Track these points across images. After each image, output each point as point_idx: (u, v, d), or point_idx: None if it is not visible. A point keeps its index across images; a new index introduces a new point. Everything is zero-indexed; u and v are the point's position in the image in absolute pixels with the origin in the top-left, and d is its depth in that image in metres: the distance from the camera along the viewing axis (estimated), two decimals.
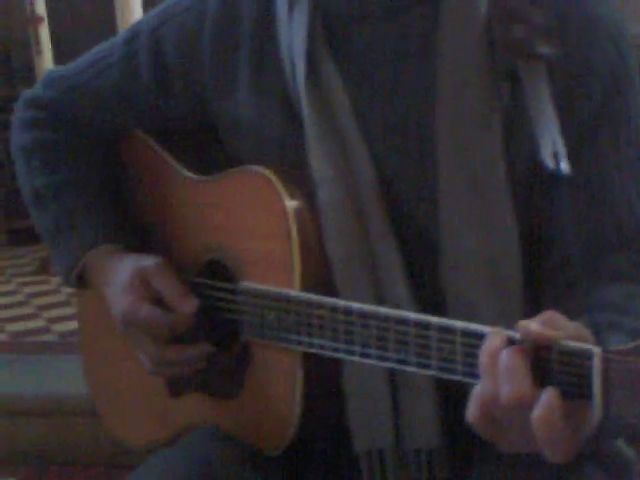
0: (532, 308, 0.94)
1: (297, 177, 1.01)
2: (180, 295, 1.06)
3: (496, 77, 0.95)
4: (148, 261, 1.09)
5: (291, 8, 1.03)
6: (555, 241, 0.97)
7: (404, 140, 0.99)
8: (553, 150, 0.90)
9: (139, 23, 1.19)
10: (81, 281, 1.17)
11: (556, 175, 0.90)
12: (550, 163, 0.89)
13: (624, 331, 0.84)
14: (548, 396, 0.74)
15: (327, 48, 1.01)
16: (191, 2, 1.13)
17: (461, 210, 0.95)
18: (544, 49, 0.93)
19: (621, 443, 1.01)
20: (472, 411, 0.77)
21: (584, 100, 0.95)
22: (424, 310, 0.91)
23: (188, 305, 1.06)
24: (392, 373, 0.97)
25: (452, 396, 0.88)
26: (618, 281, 0.94)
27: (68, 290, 3.71)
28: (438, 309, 0.93)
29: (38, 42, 3.80)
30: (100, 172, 1.20)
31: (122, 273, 1.09)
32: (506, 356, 0.75)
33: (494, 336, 0.78)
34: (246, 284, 1.04)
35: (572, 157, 0.92)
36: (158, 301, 1.07)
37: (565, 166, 0.89)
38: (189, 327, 1.07)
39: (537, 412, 0.73)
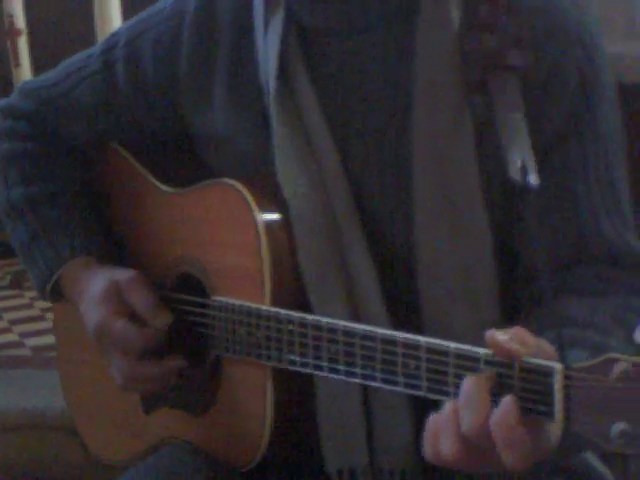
0: (506, 319, 0.94)
1: (271, 191, 1.00)
2: (154, 309, 1.05)
3: (469, 90, 0.95)
4: (122, 274, 1.08)
5: (267, 21, 1.03)
6: (523, 253, 0.98)
7: (380, 155, 0.98)
8: (522, 164, 0.90)
9: (116, 33, 1.18)
10: (55, 293, 1.15)
11: (524, 189, 0.90)
12: (517, 177, 0.89)
13: (587, 346, 0.84)
14: (505, 402, 0.74)
15: (302, 62, 1.01)
16: (169, 13, 1.12)
17: (436, 222, 0.95)
18: (515, 60, 0.93)
19: (595, 460, 1.01)
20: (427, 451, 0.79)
21: (554, 108, 0.96)
22: (400, 324, 0.90)
23: (162, 319, 1.05)
24: (366, 392, 0.96)
25: (426, 414, 0.88)
26: (584, 295, 0.94)
27: (41, 304, 3.68)
28: (414, 322, 0.93)
29: (17, 55, 3.78)
30: (76, 184, 1.19)
31: (96, 286, 1.08)
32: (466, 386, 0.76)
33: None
34: (218, 298, 1.03)
35: (541, 168, 0.92)
36: (132, 315, 1.06)
37: (534, 179, 0.89)
38: (162, 342, 1.05)
39: (495, 417, 0.74)
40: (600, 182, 0.98)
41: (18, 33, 3.80)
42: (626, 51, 2.19)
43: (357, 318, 0.96)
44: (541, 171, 0.92)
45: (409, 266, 0.97)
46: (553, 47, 0.96)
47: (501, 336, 0.76)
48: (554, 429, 0.74)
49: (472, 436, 0.75)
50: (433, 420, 0.79)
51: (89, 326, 1.08)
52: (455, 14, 0.96)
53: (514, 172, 0.90)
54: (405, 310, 0.97)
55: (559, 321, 0.87)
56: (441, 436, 0.77)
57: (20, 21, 3.81)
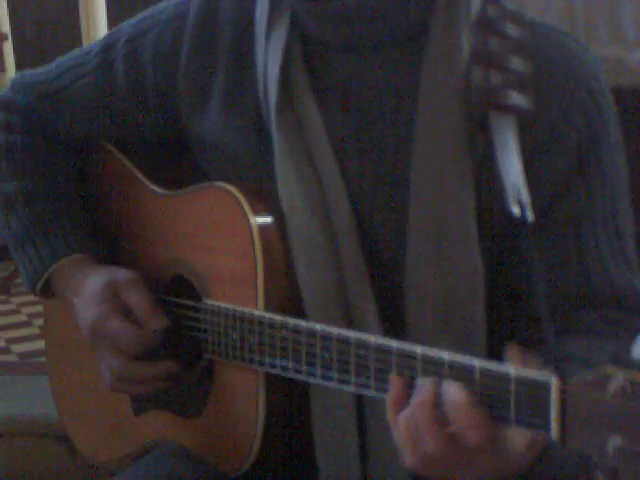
0: (492, 354, 0.94)
1: (263, 194, 1.00)
2: (151, 311, 1.05)
3: (472, 125, 0.95)
4: (121, 274, 1.07)
5: (269, 30, 1.02)
6: (526, 294, 0.97)
7: (378, 174, 0.98)
8: (518, 199, 0.90)
9: (117, 32, 1.16)
10: (46, 289, 1.14)
11: (522, 223, 0.90)
12: (516, 210, 0.90)
13: None
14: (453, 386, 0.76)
15: (305, 75, 1.00)
16: (170, 15, 1.11)
17: (428, 253, 0.95)
18: (517, 101, 0.92)
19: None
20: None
21: (560, 152, 0.96)
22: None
23: (157, 322, 1.04)
24: (360, 405, 0.96)
25: None
26: (586, 335, 0.94)
27: (29, 310, 3.67)
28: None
29: (2, 59, 3.77)
30: (71, 181, 1.18)
31: (93, 284, 1.07)
32: (451, 396, 0.77)
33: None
34: (211, 302, 1.02)
35: (547, 210, 0.93)
36: (128, 315, 1.05)
37: (529, 215, 0.89)
38: (156, 344, 1.05)
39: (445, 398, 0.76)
40: (607, 227, 0.98)
41: (3, 37, 3.79)
42: (610, 54, 2.20)
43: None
44: (549, 216, 0.93)
45: (400, 289, 0.96)
46: (561, 93, 0.96)
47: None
48: (550, 443, 0.74)
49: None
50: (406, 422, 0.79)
51: (84, 323, 1.07)
52: (465, 45, 0.96)
53: (513, 205, 0.90)
54: (392, 332, 0.95)
55: (558, 357, 0.86)
56: (422, 434, 0.78)
57: (5, 25, 3.80)
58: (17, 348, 3.28)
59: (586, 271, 0.97)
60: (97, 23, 3.45)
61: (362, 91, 0.99)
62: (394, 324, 0.96)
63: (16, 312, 3.75)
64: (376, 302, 0.96)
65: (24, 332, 3.43)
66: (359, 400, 0.96)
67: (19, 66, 3.81)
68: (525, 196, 0.90)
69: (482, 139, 0.95)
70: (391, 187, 0.97)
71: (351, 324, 0.95)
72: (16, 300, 3.83)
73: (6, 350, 3.29)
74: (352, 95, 0.99)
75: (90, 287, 1.07)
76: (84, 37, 3.44)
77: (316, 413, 0.97)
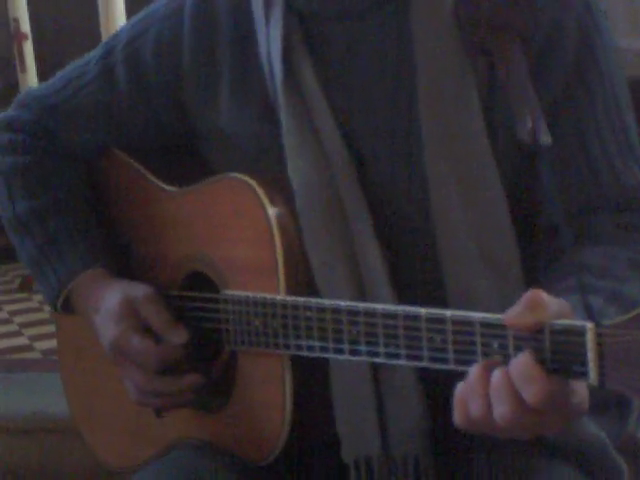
0: (530, 282, 0.94)
1: (277, 182, 1.01)
2: (169, 326, 1.05)
3: (471, 54, 0.96)
4: (137, 290, 1.08)
5: (267, 12, 1.04)
6: (542, 208, 0.98)
7: (388, 137, 0.99)
8: (531, 123, 0.90)
9: (113, 38, 1.18)
10: (66, 305, 1.15)
11: (536, 148, 0.90)
12: (527, 138, 0.90)
13: (601, 293, 0.85)
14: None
15: (304, 50, 1.02)
16: (167, 12, 1.12)
17: (452, 195, 0.96)
18: (513, 19, 0.94)
19: (612, 450, 1.01)
20: (460, 420, 0.80)
21: (558, 61, 0.97)
22: (423, 304, 0.90)
23: (178, 336, 1.04)
24: (377, 379, 0.97)
25: (438, 401, 0.89)
26: (601, 243, 0.94)
27: None
28: (437, 299, 0.93)
29: (22, 59, 3.79)
30: (81, 193, 1.19)
31: (111, 301, 1.08)
32: (497, 378, 0.77)
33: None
34: (230, 292, 1.03)
35: (551, 122, 0.93)
36: (147, 331, 1.06)
37: (545, 138, 0.89)
38: (178, 358, 1.05)
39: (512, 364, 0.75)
40: (612, 128, 0.99)
41: (24, 37, 3.81)
42: (629, 46, 2.20)
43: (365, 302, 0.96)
44: (553, 124, 0.93)
45: (428, 245, 0.97)
46: (552, 3, 0.97)
47: (517, 315, 0.77)
48: (582, 387, 0.75)
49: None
50: (460, 387, 0.80)
51: (105, 341, 1.08)
52: None
53: (523, 134, 0.91)
54: (427, 290, 0.97)
55: (576, 269, 0.87)
56: (469, 399, 0.78)
57: (25, 25, 3.82)
58: (40, 345, 3.31)
59: (595, 173, 0.97)
60: (116, 23, 3.47)
61: (359, 57, 1.01)
62: (423, 282, 0.98)
63: (38, 310, 3.78)
64: (389, 274, 0.97)
65: (47, 329, 3.46)
66: (375, 374, 0.97)
67: (39, 66, 3.83)
68: (538, 119, 0.90)
69: (485, 67, 0.96)
70: (403, 142, 0.98)
71: (363, 293, 0.96)
72: (38, 298, 3.86)
73: (30, 347, 3.32)
74: (350, 65, 1.01)
75: (108, 305, 1.07)
76: (103, 37, 3.45)
77: (336, 390, 0.98)
